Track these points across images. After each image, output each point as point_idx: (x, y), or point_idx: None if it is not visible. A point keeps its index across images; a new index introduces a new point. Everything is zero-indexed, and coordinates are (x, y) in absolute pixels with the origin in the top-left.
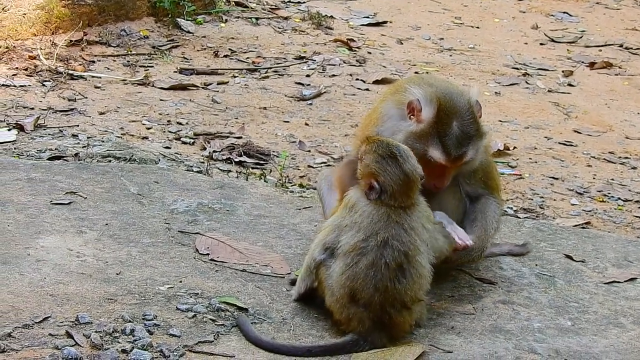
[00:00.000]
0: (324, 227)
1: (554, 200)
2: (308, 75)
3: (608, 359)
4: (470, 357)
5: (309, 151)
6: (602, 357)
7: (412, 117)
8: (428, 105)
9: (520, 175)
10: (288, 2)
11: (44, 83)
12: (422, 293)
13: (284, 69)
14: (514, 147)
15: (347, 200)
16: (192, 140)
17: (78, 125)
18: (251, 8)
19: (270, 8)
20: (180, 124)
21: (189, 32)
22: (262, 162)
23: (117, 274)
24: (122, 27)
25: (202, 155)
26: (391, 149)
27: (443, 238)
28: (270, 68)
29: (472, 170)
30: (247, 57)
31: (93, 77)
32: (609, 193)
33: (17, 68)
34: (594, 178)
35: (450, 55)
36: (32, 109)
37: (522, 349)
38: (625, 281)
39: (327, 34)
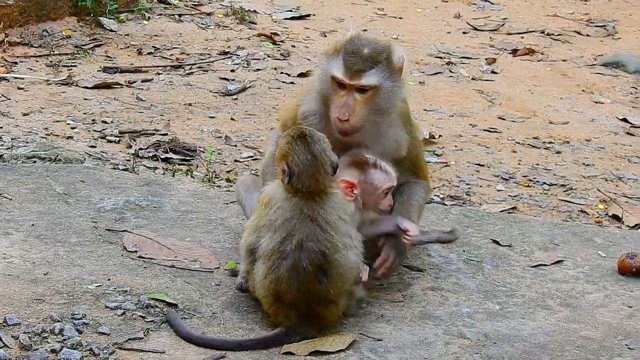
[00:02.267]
0: (244, 228)
1: (480, 186)
2: (232, 70)
3: (536, 341)
4: (400, 344)
5: (236, 146)
6: (531, 340)
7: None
8: (345, 36)
9: (446, 163)
10: None
11: None
12: (348, 285)
13: (208, 65)
14: (440, 136)
15: (263, 197)
16: (118, 139)
17: (2, 127)
18: (174, 5)
19: (193, 4)
20: (105, 122)
21: (111, 30)
22: (188, 158)
23: (44, 274)
24: (44, 28)
25: (128, 153)
26: (303, 130)
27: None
28: (195, 64)
29: (399, 158)
30: (171, 54)
31: (16, 78)
32: (534, 178)
33: None
34: (519, 163)
35: None
36: None
37: (451, 335)
38: (552, 264)
39: (250, 28)
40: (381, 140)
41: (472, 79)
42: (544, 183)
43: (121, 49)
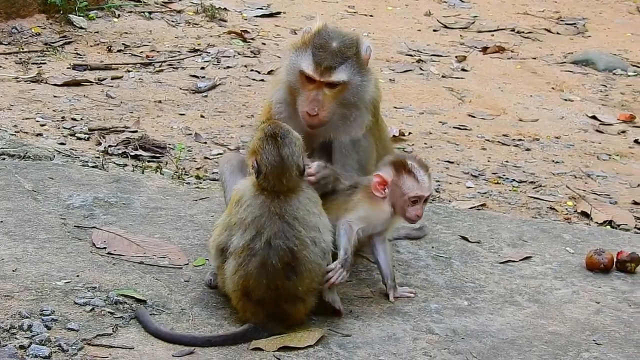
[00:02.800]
0: (215, 226)
1: (450, 183)
2: (203, 68)
3: (504, 336)
4: (368, 340)
5: (205, 143)
6: (499, 335)
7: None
8: (313, 28)
9: None
10: None
11: None
12: (315, 283)
13: (178, 62)
14: (409, 133)
15: (234, 195)
16: (87, 136)
17: None
18: (144, 2)
19: (163, 2)
20: (75, 119)
21: (81, 27)
22: (158, 155)
23: (13, 270)
24: (13, 25)
25: (98, 150)
26: (275, 130)
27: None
28: (165, 62)
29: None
30: (141, 52)
31: None
32: (504, 175)
33: None
34: (488, 161)
35: None
36: None
37: (420, 330)
38: (520, 260)
39: (221, 26)
40: (347, 128)
41: (443, 76)
42: (514, 180)
43: (91, 46)
